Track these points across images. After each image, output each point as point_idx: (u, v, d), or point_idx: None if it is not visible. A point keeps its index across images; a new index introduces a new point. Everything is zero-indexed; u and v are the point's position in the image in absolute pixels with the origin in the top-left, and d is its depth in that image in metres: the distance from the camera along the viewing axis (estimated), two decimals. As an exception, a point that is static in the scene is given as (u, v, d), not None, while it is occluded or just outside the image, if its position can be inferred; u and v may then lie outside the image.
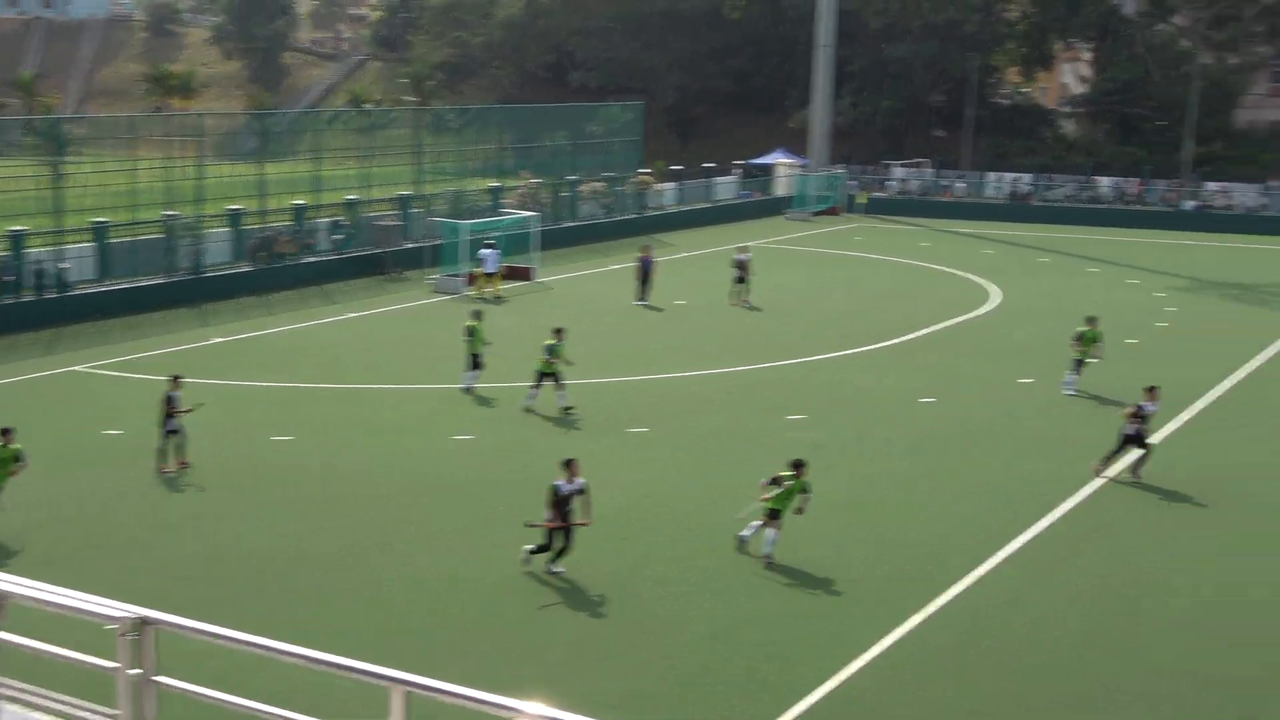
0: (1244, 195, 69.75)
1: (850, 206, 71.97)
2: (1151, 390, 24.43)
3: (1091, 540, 20.98)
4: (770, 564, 19.20)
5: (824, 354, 34.78)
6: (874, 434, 26.96)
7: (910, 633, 17.14)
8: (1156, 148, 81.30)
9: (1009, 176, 74.67)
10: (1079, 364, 30.46)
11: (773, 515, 19.37)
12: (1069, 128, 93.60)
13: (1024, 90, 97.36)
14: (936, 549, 20.28)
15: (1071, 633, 17.32)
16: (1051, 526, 21.52)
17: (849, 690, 15.52)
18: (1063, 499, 22.80)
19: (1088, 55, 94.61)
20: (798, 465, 19.66)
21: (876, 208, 71.79)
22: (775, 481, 19.50)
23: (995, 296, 44.86)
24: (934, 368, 33.40)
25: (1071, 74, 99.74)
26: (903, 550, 20.19)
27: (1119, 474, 23.91)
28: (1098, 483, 23.74)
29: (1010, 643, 17.00)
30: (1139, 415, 23.82)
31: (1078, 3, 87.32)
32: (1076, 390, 30.19)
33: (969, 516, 21.89)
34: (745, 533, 19.78)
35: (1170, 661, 16.54)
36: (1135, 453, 23.87)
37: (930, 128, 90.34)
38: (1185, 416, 28.42)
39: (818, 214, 70.05)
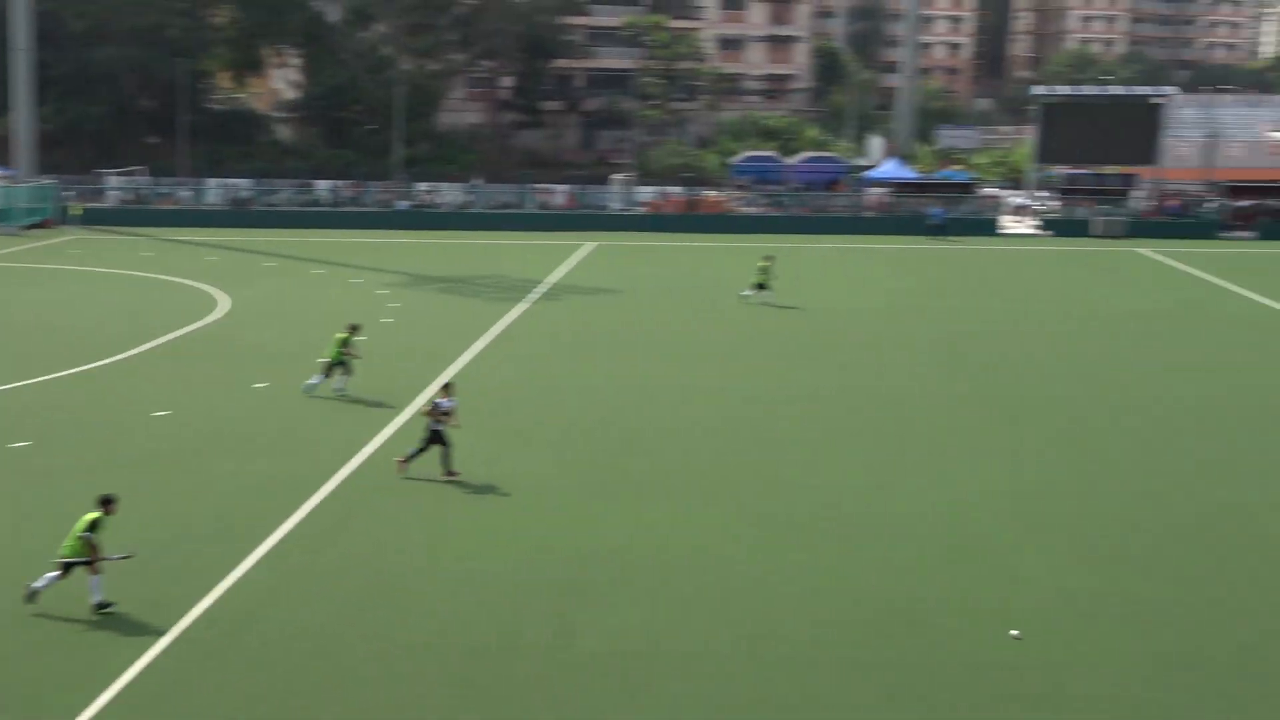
0: (450, 194, 74.49)
1: (65, 218, 68.84)
2: (447, 387, 25.87)
3: (341, 532, 21.81)
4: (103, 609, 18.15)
5: (47, 375, 33.16)
6: (110, 453, 26.21)
7: (167, 649, 17.02)
8: (369, 150, 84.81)
9: (229, 182, 74.60)
10: (336, 366, 31.08)
11: (81, 564, 18.20)
12: (284, 132, 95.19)
13: (238, 96, 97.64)
14: (184, 562, 20.19)
15: (326, 620, 18.02)
16: (299, 523, 22.11)
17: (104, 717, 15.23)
18: (308, 496, 23.44)
19: (297, 61, 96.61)
20: (106, 502, 18.57)
21: (94, 218, 69.13)
22: (92, 527, 18.19)
23: (224, 303, 44.86)
24: (166, 379, 32.90)
25: (284, 79, 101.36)
26: (149, 566, 19.85)
27: (437, 473, 24.56)
28: (340, 479, 24.66)
29: (269, 637, 17.37)
30: (438, 412, 24.91)
31: (281, 10, 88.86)
32: (315, 391, 31.02)
33: (214, 525, 21.95)
34: (38, 584, 18.21)
35: (433, 635, 17.70)
36: (438, 449, 24.69)
37: (144, 134, 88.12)
38: (410, 411, 30.11)
39: (29, 228, 66.32)
